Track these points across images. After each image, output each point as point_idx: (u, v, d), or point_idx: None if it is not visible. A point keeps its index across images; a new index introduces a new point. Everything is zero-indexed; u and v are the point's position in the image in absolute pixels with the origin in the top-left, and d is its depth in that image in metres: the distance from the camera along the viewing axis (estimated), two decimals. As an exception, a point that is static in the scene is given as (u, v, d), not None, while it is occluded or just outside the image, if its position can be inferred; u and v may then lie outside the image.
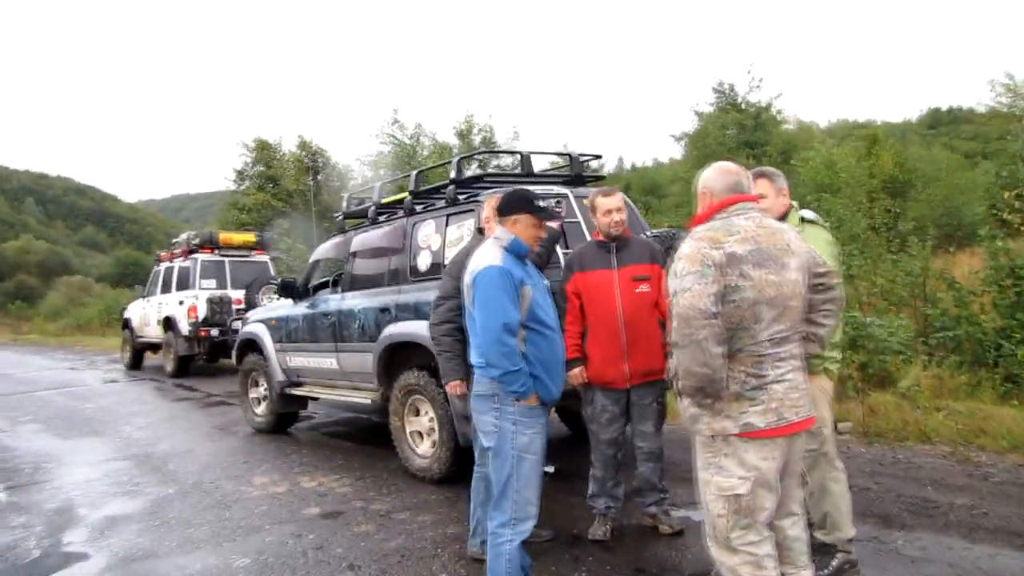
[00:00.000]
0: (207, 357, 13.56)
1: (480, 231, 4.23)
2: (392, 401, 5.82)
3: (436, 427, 5.46)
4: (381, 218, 6.43)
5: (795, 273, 2.58)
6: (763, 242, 2.55)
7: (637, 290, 3.96)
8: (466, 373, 3.76)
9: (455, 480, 5.35)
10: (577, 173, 5.88)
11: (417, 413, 5.73)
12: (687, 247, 2.56)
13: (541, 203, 3.35)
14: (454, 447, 5.29)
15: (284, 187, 24.58)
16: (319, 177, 25.30)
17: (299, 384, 7.36)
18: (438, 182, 6.22)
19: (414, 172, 5.97)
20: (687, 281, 2.48)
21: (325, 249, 7.14)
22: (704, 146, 23.61)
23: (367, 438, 7.47)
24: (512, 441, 3.12)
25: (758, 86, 18.25)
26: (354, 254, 6.50)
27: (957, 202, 20.00)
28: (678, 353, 2.50)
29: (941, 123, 53.78)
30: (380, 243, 6.18)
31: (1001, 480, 4.96)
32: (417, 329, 5.37)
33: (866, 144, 21.52)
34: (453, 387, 4.00)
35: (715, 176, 2.71)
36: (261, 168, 26.41)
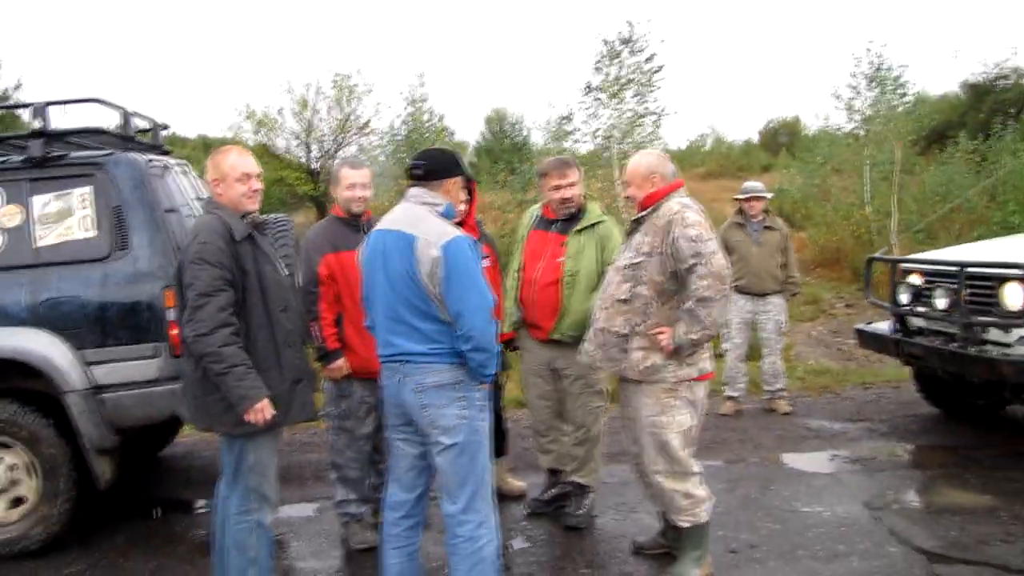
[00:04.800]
0: None
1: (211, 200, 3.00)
2: (-71, 456, 3.90)
3: (36, 474, 3.91)
4: None
5: None
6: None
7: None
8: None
9: (72, 543, 3.98)
10: (157, 142, 4.97)
11: (-23, 466, 3.99)
12: (692, 215, 2.86)
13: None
14: (74, 495, 3.91)
15: None
16: None
17: None
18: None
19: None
20: (712, 244, 2.79)
21: None
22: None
23: None
24: (482, 430, 2.73)
25: None
26: None
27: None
28: (708, 308, 2.74)
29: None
30: None
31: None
32: (13, 340, 3.80)
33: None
34: (262, 409, 2.75)
35: (659, 162, 3.06)
36: None
